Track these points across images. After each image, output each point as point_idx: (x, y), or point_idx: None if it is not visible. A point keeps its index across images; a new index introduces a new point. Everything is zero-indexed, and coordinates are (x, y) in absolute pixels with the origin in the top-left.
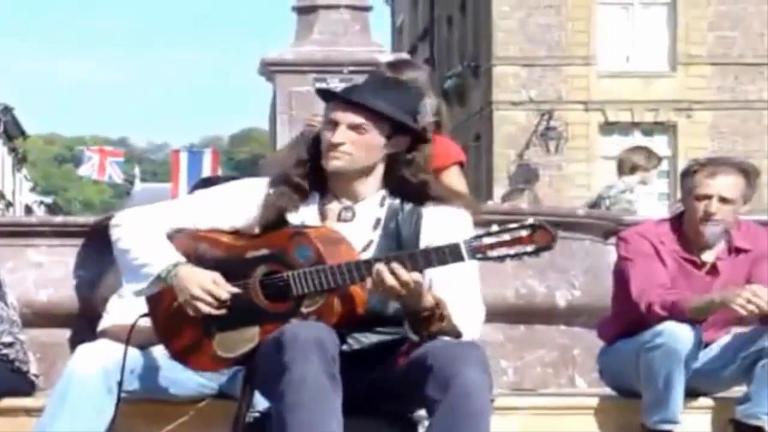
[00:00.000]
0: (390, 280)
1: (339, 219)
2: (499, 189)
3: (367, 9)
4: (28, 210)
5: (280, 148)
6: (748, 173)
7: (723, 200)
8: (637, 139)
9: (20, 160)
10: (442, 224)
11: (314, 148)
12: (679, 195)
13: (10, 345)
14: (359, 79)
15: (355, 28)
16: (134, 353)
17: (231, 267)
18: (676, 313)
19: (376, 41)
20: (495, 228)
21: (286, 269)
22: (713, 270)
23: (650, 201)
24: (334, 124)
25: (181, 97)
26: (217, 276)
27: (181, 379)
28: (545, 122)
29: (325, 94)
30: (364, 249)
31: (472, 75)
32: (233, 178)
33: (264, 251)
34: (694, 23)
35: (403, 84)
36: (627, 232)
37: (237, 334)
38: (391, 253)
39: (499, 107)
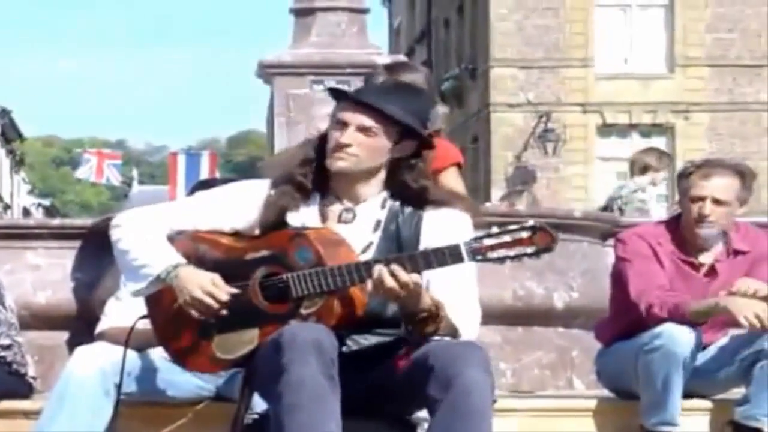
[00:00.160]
0: (389, 282)
1: (339, 220)
2: (497, 191)
3: (364, 11)
4: (26, 212)
5: (280, 151)
6: (744, 175)
7: (717, 202)
8: (635, 140)
9: (18, 163)
10: (442, 226)
11: (319, 148)
12: (677, 197)
13: (7, 347)
14: (356, 81)
15: (352, 30)
16: (131, 356)
17: (231, 268)
18: (676, 315)
19: (374, 43)
20: (495, 230)
21: (285, 271)
22: (711, 272)
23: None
24: (342, 125)
25: (178, 100)
26: (216, 277)
27: (178, 381)
28: (543, 124)
29: (337, 94)
30: (364, 251)
31: (469, 77)
32: (231, 180)
33: (264, 253)
34: (692, 25)
35: (415, 89)
36: (625, 234)
37: (236, 335)
38: (391, 255)
39: (496, 109)
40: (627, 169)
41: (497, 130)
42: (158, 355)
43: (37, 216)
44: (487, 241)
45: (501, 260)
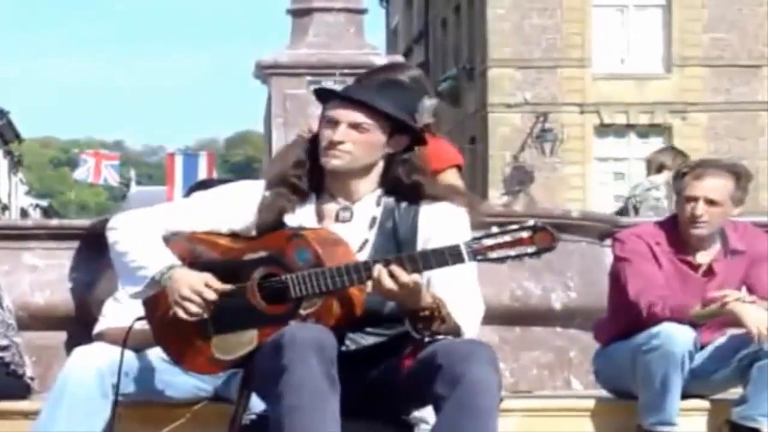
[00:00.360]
0: (389, 283)
1: (337, 219)
2: (494, 191)
3: (361, 12)
4: (24, 213)
5: (279, 153)
6: (739, 175)
7: (710, 202)
8: (633, 141)
9: (16, 164)
10: (438, 221)
11: (312, 148)
12: (674, 197)
13: (5, 348)
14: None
15: (349, 31)
16: (129, 356)
17: (229, 269)
18: (679, 316)
19: (371, 44)
20: (495, 229)
21: (284, 271)
22: (709, 271)
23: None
24: (334, 123)
25: (176, 101)
26: (209, 277)
27: (176, 381)
28: (540, 124)
29: (324, 94)
30: (360, 248)
31: (467, 77)
32: (228, 180)
33: (262, 253)
34: (689, 25)
35: (402, 84)
36: (623, 233)
37: (235, 336)
38: (391, 255)
39: (494, 109)
40: (625, 169)
41: (495, 130)
42: (156, 355)
43: (35, 217)
44: (488, 241)
45: (502, 260)
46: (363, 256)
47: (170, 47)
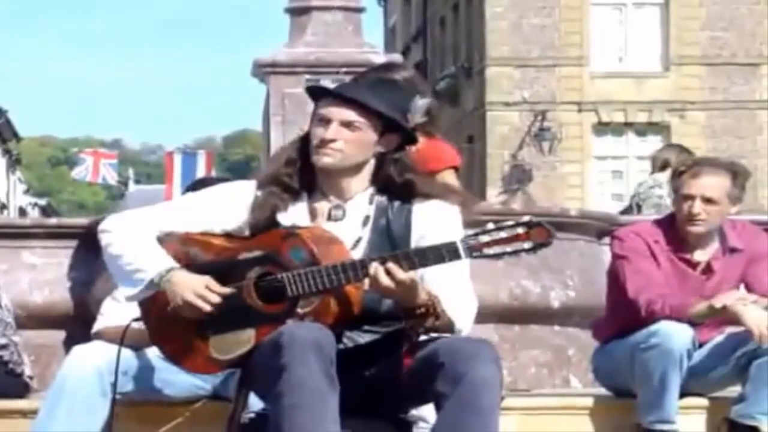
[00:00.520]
0: (385, 281)
1: (329, 218)
2: (493, 190)
3: (360, 10)
4: (22, 212)
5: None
6: (736, 174)
7: (707, 201)
8: (631, 139)
9: (14, 163)
10: (432, 219)
11: (303, 147)
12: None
13: (4, 347)
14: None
15: (347, 30)
16: (128, 354)
17: (224, 269)
18: (677, 316)
19: (370, 42)
20: (491, 226)
21: (280, 270)
22: (708, 270)
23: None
24: (326, 121)
25: (174, 99)
26: (209, 280)
27: (175, 380)
28: (539, 123)
29: (316, 92)
30: (353, 246)
31: (465, 76)
32: (227, 179)
33: (257, 253)
34: (687, 23)
35: (394, 83)
36: (621, 231)
37: (232, 336)
38: (387, 252)
39: (492, 108)
40: (623, 167)
41: (493, 128)
42: (155, 354)
43: (34, 215)
44: (484, 238)
45: (498, 256)
46: (356, 255)
47: (169, 45)
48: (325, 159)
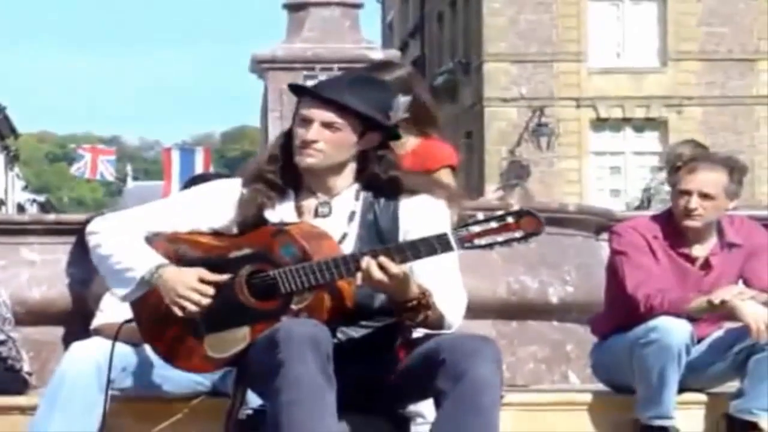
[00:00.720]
0: (378, 274)
1: (316, 215)
2: (491, 186)
3: (357, 6)
4: (21, 208)
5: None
6: (732, 169)
7: (704, 196)
8: (628, 135)
9: (12, 159)
10: (418, 214)
11: (286, 144)
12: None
13: (2, 343)
14: None
15: (345, 26)
16: (127, 350)
17: (214, 267)
18: (676, 310)
19: (367, 38)
20: (481, 216)
21: (271, 267)
22: (706, 265)
23: None
24: (307, 122)
25: (172, 95)
26: (202, 271)
27: (174, 376)
28: (536, 119)
29: (297, 91)
30: (340, 242)
31: (462, 72)
32: (225, 175)
33: (247, 250)
34: (684, 19)
35: (375, 81)
36: (620, 226)
37: (227, 334)
38: (379, 246)
39: (490, 104)
40: (620, 163)
41: (491, 124)
42: None
43: (32, 212)
44: (475, 228)
45: (490, 246)
46: (343, 250)
47: (167, 42)
48: (308, 160)
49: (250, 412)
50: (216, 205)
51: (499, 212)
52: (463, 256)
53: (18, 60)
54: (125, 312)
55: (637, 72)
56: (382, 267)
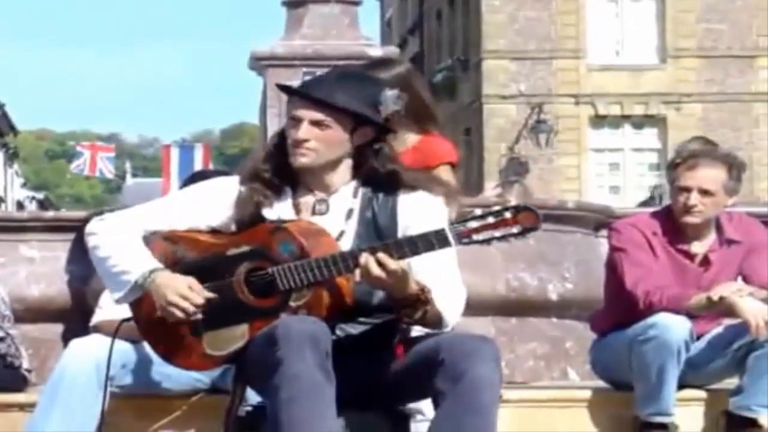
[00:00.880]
0: (376, 271)
1: (314, 212)
2: (490, 182)
3: (356, 3)
4: (20, 206)
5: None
6: (732, 165)
7: (703, 192)
8: (627, 132)
9: (11, 156)
10: (417, 210)
11: (281, 142)
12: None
13: (1, 340)
14: None
15: (344, 22)
16: (127, 347)
17: (213, 265)
18: (675, 306)
19: (366, 35)
20: (479, 212)
21: (270, 264)
22: (705, 261)
23: None
24: (297, 121)
25: (172, 92)
26: (192, 281)
27: (174, 373)
28: (535, 116)
29: (285, 90)
30: (337, 240)
31: (461, 69)
32: (225, 172)
33: (245, 248)
34: (683, 16)
35: (363, 75)
36: (619, 223)
37: (226, 331)
38: (377, 243)
39: (489, 101)
40: (619, 160)
41: (490, 121)
42: None
43: (31, 209)
44: (472, 224)
45: (487, 242)
46: (342, 248)
47: (165, 38)
48: (301, 159)
49: (249, 409)
50: (214, 204)
51: (497, 207)
52: (462, 253)
53: (17, 57)
54: (124, 309)
55: (636, 69)
56: (380, 263)
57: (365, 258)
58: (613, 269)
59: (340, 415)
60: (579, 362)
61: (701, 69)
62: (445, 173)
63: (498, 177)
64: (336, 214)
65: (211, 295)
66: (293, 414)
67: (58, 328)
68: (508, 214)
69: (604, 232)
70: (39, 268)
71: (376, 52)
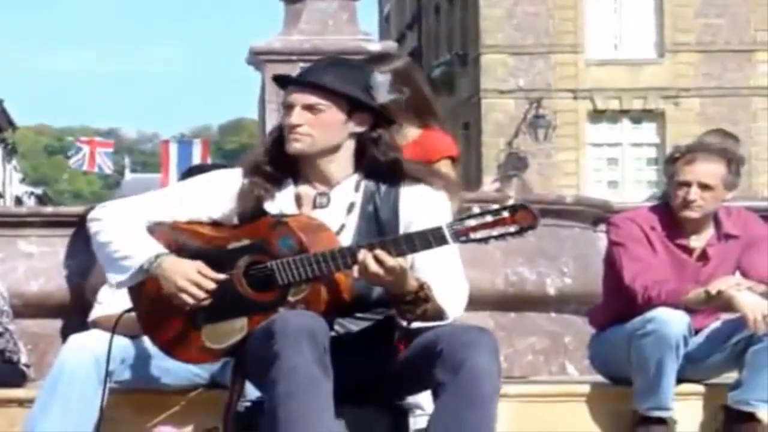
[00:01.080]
0: (374, 267)
1: (315, 206)
2: (489, 177)
3: None
4: (19, 201)
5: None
6: (731, 159)
7: (703, 187)
8: (626, 126)
9: (10, 152)
10: (419, 205)
11: (280, 136)
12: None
13: (0, 335)
14: None
15: (342, 17)
16: (126, 343)
17: (213, 258)
18: (674, 301)
19: (364, 30)
20: (476, 210)
21: (269, 259)
22: (703, 256)
23: None
24: (290, 107)
25: (170, 88)
26: (201, 265)
27: (173, 368)
28: (534, 110)
29: (280, 80)
30: (337, 234)
31: (460, 63)
32: (223, 165)
33: (246, 242)
34: (681, 10)
35: (352, 62)
36: (618, 217)
37: (225, 324)
38: (375, 239)
39: (487, 95)
40: (618, 154)
41: (488, 116)
42: None
43: (30, 204)
44: (470, 222)
45: (485, 240)
46: (341, 242)
47: (164, 34)
48: (295, 144)
49: (248, 404)
50: (216, 196)
51: (495, 206)
52: (461, 248)
53: (15, 52)
54: (123, 304)
55: (634, 63)
56: (378, 260)
57: (363, 254)
58: (611, 264)
59: (339, 410)
60: (577, 357)
61: (699, 63)
62: (445, 167)
63: (496, 172)
64: (337, 207)
65: (221, 276)
66: (290, 408)
67: (57, 324)
68: (506, 213)
69: (602, 227)
70: (38, 264)
71: (375, 47)
